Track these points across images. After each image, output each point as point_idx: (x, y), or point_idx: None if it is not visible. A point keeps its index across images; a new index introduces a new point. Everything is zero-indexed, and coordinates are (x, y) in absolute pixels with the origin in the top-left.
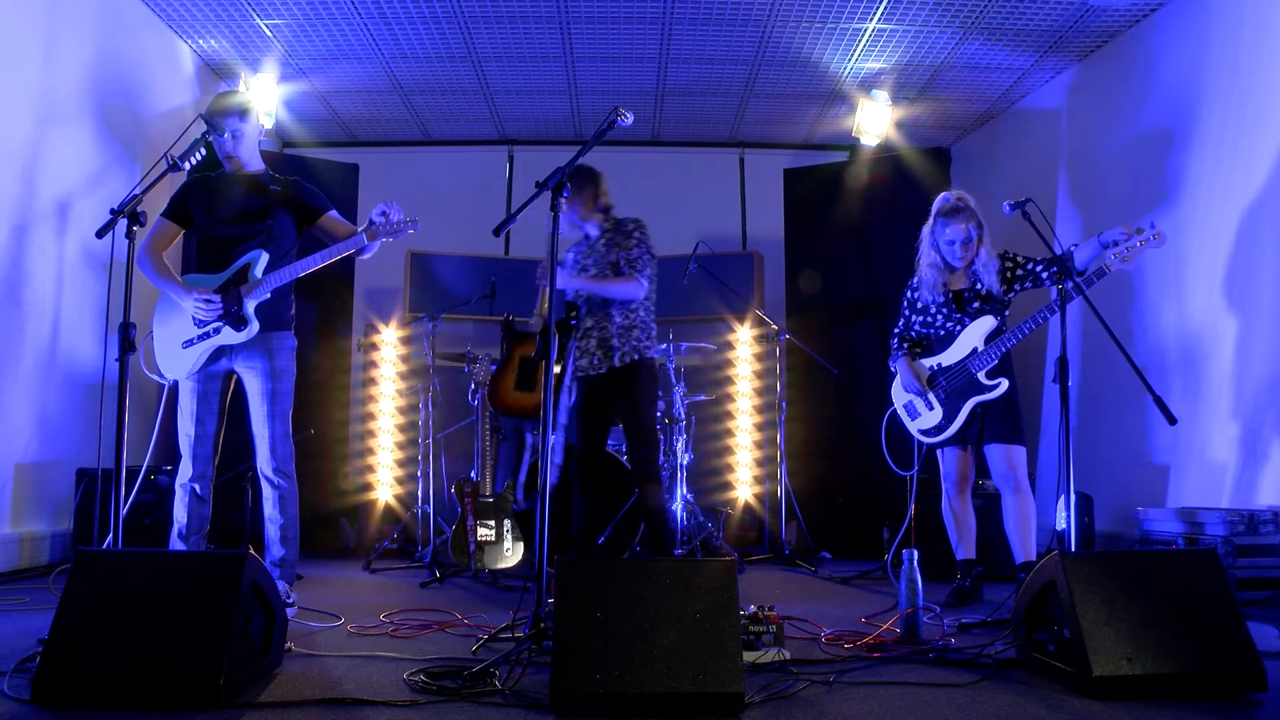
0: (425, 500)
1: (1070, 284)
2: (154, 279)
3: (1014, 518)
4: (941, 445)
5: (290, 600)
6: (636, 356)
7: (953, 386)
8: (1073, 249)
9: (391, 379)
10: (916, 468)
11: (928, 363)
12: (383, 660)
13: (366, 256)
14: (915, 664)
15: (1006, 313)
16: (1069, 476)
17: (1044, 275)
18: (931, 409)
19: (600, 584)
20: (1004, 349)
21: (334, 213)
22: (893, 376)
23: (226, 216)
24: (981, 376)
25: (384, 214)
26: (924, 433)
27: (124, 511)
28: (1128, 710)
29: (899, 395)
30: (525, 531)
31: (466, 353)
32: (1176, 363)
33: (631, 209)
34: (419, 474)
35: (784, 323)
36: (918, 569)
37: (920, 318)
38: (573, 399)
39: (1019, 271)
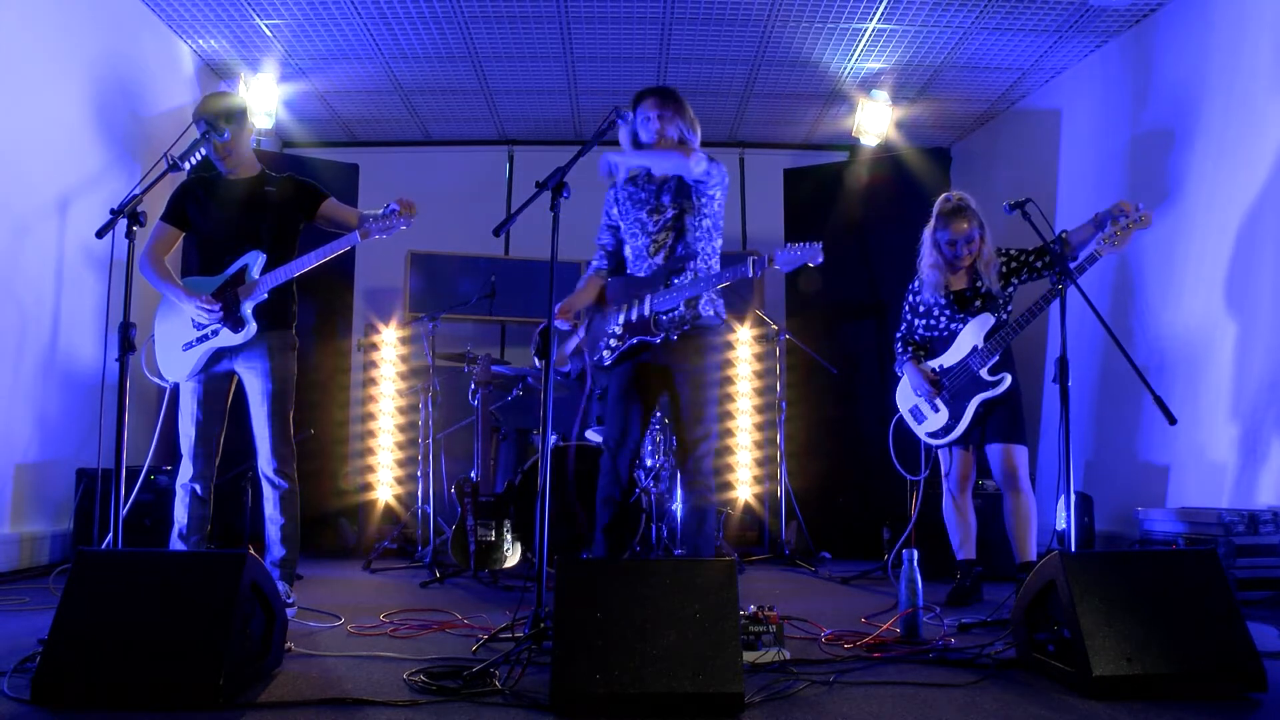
0: (425, 500)
1: (1066, 279)
2: (156, 284)
3: (1014, 518)
4: (950, 445)
5: (290, 600)
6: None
7: (956, 386)
8: (1065, 234)
9: (391, 379)
10: (926, 472)
11: (930, 365)
12: (383, 660)
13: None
14: (915, 664)
15: (1009, 308)
16: (1069, 476)
17: (1038, 265)
18: (938, 411)
19: (600, 584)
20: (1004, 344)
21: (333, 199)
22: (896, 379)
23: (224, 218)
24: (984, 373)
25: (385, 213)
26: (932, 435)
27: (124, 511)
28: (1128, 710)
29: (904, 400)
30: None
31: (466, 353)
32: (1176, 363)
33: None
34: (419, 474)
35: (784, 323)
36: (918, 569)
37: (923, 321)
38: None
39: (1013, 264)
